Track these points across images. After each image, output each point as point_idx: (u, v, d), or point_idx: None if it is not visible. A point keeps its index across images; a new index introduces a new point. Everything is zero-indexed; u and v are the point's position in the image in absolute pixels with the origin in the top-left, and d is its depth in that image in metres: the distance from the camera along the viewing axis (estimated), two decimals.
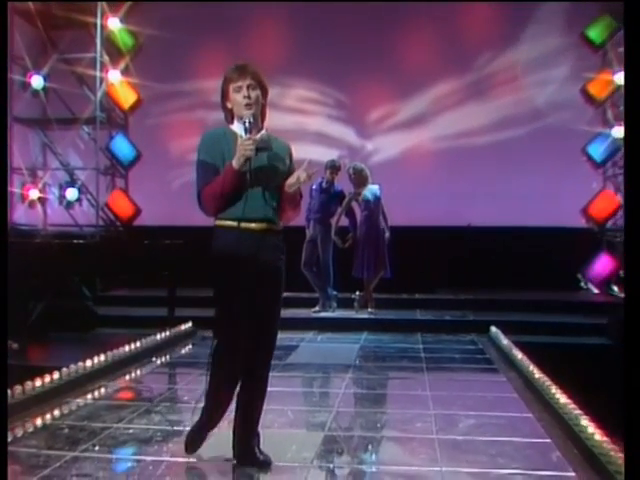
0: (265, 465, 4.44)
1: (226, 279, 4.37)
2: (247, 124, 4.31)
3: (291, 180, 4.41)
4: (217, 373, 4.46)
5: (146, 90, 13.47)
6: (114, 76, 13.24)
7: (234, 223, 4.32)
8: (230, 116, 4.52)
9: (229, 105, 4.47)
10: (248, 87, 4.38)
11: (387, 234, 11.23)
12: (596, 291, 12.95)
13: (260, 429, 4.51)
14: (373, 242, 11.07)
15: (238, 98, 4.39)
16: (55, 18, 12.78)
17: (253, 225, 4.33)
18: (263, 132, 4.49)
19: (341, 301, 11.34)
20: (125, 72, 13.39)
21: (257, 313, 4.40)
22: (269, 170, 4.41)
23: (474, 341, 9.84)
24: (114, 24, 13.11)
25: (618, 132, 12.41)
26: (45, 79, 12.98)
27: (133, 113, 13.88)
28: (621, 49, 12.38)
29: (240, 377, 4.45)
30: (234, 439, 4.52)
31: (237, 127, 4.44)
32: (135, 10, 13.24)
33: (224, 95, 4.48)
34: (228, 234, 4.35)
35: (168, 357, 8.59)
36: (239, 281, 4.32)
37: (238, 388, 4.49)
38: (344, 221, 11.29)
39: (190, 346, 9.44)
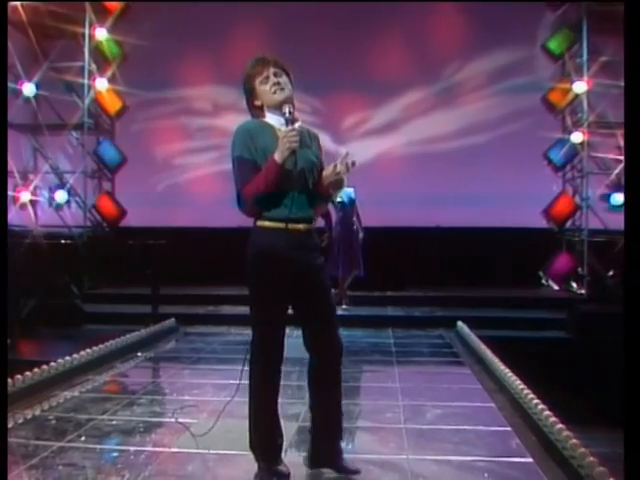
0: (351, 472, 4.18)
1: (269, 279, 3.92)
2: (288, 114, 3.87)
3: (328, 172, 4.02)
4: (254, 370, 4.07)
5: (131, 97, 13.45)
6: (101, 84, 13.19)
7: (281, 224, 3.89)
8: (260, 112, 4.07)
9: (258, 102, 4.05)
10: (275, 74, 3.98)
11: (361, 234, 11.26)
12: (556, 288, 13.03)
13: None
14: (347, 242, 11.10)
15: (267, 87, 3.97)
16: (46, 28, 12.73)
17: (301, 226, 3.93)
18: (299, 123, 4.01)
19: None
20: (112, 80, 13.34)
21: (308, 311, 4.06)
22: (311, 165, 4.01)
23: (442, 336, 9.88)
24: (101, 34, 13.07)
25: (576, 138, 12.50)
26: (36, 87, 12.95)
27: (119, 119, 13.86)
28: (578, 60, 12.50)
29: (279, 373, 4.10)
30: (314, 444, 4.24)
31: (272, 119, 4.02)
32: (121, 21, 13.20)
33: (251, 93, 4.07)
34: (275, 235, 3.90)
35: (152, 352, 8.56)
36: (281, 282, 3.91)
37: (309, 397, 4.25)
38: (320, 222, 11.31)
39: (173, 342, 9.44)
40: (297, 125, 3.93)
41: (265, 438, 4.10)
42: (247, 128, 4.01)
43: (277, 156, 3.81)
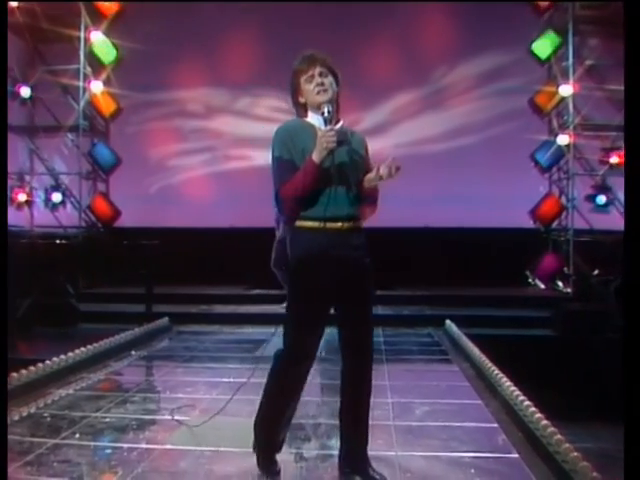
0: None
1: (307, 280, 3.85)
2: (326, 113, 3.80)
3: (371, 175, 3.92)
4: (277, 369, 4.04)
5: (126, 100, 13.45)
6: (96, 86, 13.17)
7: (319, 224, 3.81)
8: (303, 110, 4.01)
9: (302, 100, 3.98)
10: (320, 74, 3.91)
11: None
12: (543, 287, 13.05)
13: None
14: None
15: (311, 87, 3.91)
16: (42, 32, 12.70)
17: (339, 225, 3.83)
18: (341, 124, 3.99)
19: None
20: (106, 83, 13.34)
21: (346, 315, 3.98)
22: (351, 165, 3.92)
23: (430, 334, 9.89)
24: (96, 37, 13.05)
25: (562, 140, 12.53)
26: (32, 89, 12.97)
27: (114, 121, 13.85)
28: (564, 63, 12.54)
29: (302, 376, 4.04)
30: (342, 449, 4.16)
31: (313, 119, 3.94)
32: (116, 24, 13.19)
33: (295, 90, 4.00)
34: (313, 235, 3.82)
35: (145, 351, 8.55)
36: (323, 283, 3.82)
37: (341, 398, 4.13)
38: None
39: (166, 340, 9.43)
40: (338, 125, 3.90)
41: (270, 439, 4.13)
42: (287, 128, 3.97)
43: (315, 156, 3.74)
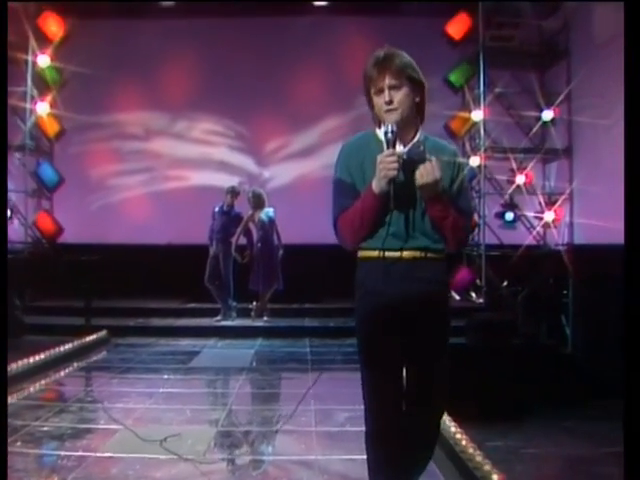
0: None
1: (369, 323, 3.15)
2: (389, 134, 2.96)
3: (417, 180, 2.98)
4: (368, 444, 3.18)
5: (69, 121, 13.25)
6: (42, 108, 12.99)
7: (378, 253, 3.04)
8: (376, 119, 3.15)
9: (374, 109, 3.15)
10: (391, 87, 3.05)
11: (280, 251, 11.31)
12: (458, 298, 13.22)
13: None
14: (267, 258, 11.12)
15: (379, 102, 3.05)
16: None
17: (400, 254, 3.04)
18: (417, 138, 3.13)
19: (240, 311, 11.28)
20: (52, 104, 13.19)
21: (411, 360, 3.13)
22: (420, 187, 2.98)
23: (354, 344, 9.92)
24: (43, 61, 12.90)
25: (475, 161, 12.75)
26: None
27: (58, 142, 13.66)
28: (476, 91, 12.80)
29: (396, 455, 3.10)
30: None
31: (382, 134, 3.03)
32: (61, 49, 13.06)
33: (367, 96, 3.16)
34: (371, 266, 3.08)
35: (84, 362, 8.46)
36: (386, 328, 3.06)
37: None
38: (242, 240, 11.33)
39: (104, 352, 9.29)
40: (412, 144, 3.11)
41: None
42: (350, 145, 3.20)
43: (374, 184, 2.96)
